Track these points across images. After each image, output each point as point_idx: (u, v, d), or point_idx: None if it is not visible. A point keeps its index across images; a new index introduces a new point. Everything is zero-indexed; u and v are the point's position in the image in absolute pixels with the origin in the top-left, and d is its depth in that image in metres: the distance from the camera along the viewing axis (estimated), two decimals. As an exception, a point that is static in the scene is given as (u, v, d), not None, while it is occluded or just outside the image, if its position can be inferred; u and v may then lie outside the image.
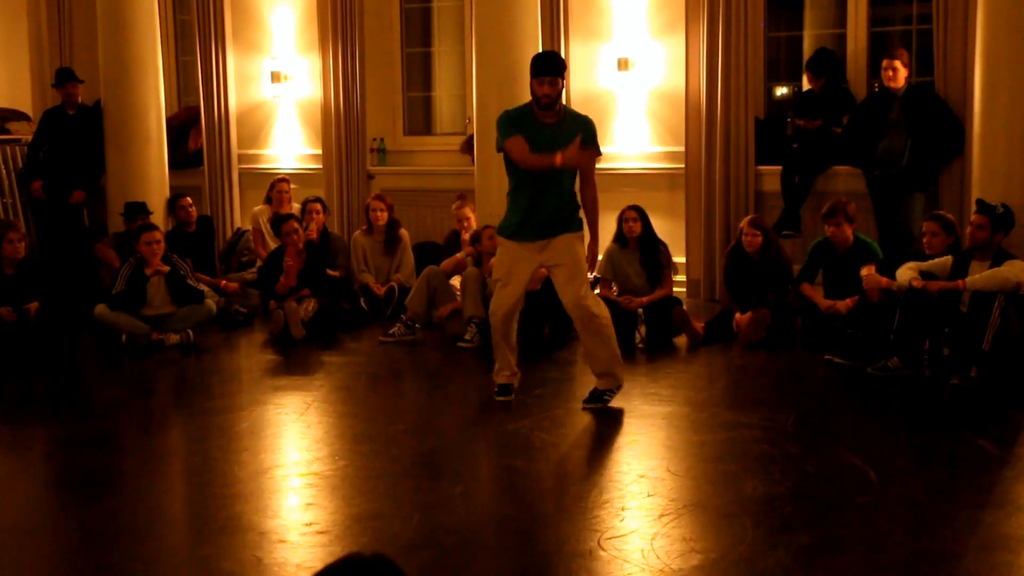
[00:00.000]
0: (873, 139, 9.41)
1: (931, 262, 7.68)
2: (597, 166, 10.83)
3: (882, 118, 9.38)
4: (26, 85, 13.01)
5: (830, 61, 9.97)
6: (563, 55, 10.71)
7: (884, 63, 9.40)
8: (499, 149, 6.82)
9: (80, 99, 11.47)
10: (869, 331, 7.87)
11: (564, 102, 7.02)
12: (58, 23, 13.02)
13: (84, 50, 12.55)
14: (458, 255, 9.62)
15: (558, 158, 6.56)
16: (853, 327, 8.09)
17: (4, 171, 11.76)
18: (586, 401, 6.91)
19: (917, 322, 7.51)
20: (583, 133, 6.76)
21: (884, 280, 7.85)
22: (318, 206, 10.50)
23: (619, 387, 6.96)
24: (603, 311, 6.85)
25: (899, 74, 9.33)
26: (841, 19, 10.32)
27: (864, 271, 8.01)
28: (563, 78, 6.81)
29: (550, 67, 6.77)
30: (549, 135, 6.73)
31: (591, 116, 10.69)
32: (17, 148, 11.92)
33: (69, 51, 12.97)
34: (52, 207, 11.36)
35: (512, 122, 6.81)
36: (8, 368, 8.39)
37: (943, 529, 4.86)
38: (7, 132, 12.34)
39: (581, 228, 6.90)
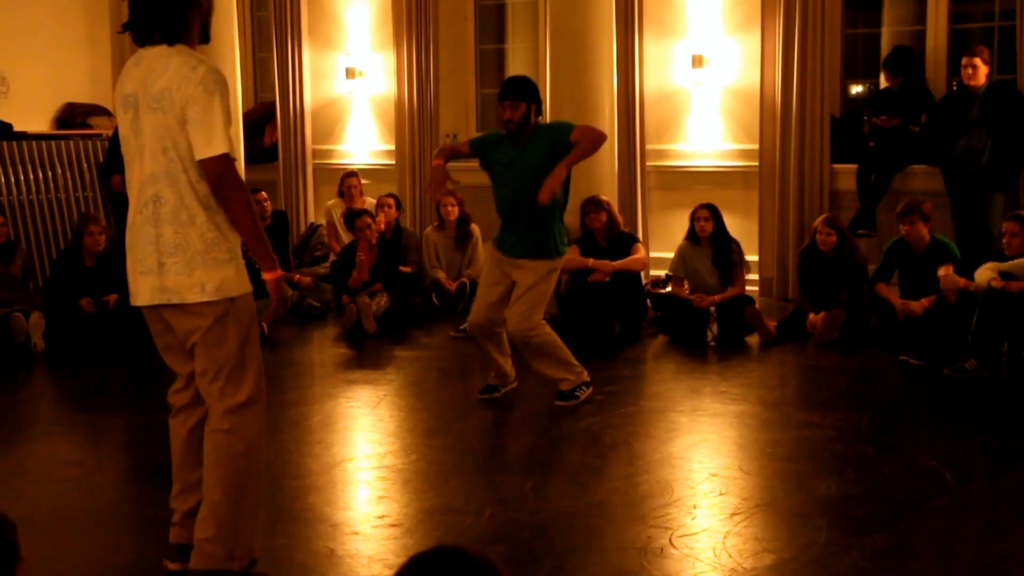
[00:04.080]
0: (952, 138, 9.27)
1: (1011, 263, 7.56)
2: (671, 162, 10.88)
3: (962, 116, 9.23)
4: (108, 81, 13.21)
5: (909, 59, 9.83)
6: (637, 51, 10.70)
7: (964, 61, 9.23)
8: None
9: (160, 94, 11.61)
10: (946, 332, 7.76)
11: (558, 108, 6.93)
12: (138, 20, 13.20)
13: (163, 46, 12.71)
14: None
15: (434, 178, 6.87)
16: (929, 328, 7.98)
17: (85, 165, 11.96)
18: (557, 398, 6.95)
19: (996, 323, 7.40)
20: (550, 142, 6.66)
21: (962, 281, 7.74)
22: (391, 200, 10.58)
23: (586, 383, 6.99)
24: (541, 330, 6.83)
25: (979, 72, 9.17)
26: (921, 16, 10.18)
27: (941, 271, 7.90)
28: (528, 102, 6.68)
29: (508, 91, 6.75)
30: (510, 156, 6.76)
31: (665, 113, 10.84)
32: (98, 142, 12.12)
33: (149, 47, 13.14)
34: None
35: (479, 140, 7.04)
36: (88, 359, 8.54)
37: (1021, 532, 4.79)
38: (89, 127, 12.57)
39: (552, 257, 6.81)
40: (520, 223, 6.76)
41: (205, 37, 4.16)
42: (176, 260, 4.04)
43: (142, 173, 4.06)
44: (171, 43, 4.03)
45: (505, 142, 6.82)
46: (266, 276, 4.24)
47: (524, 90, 6.74)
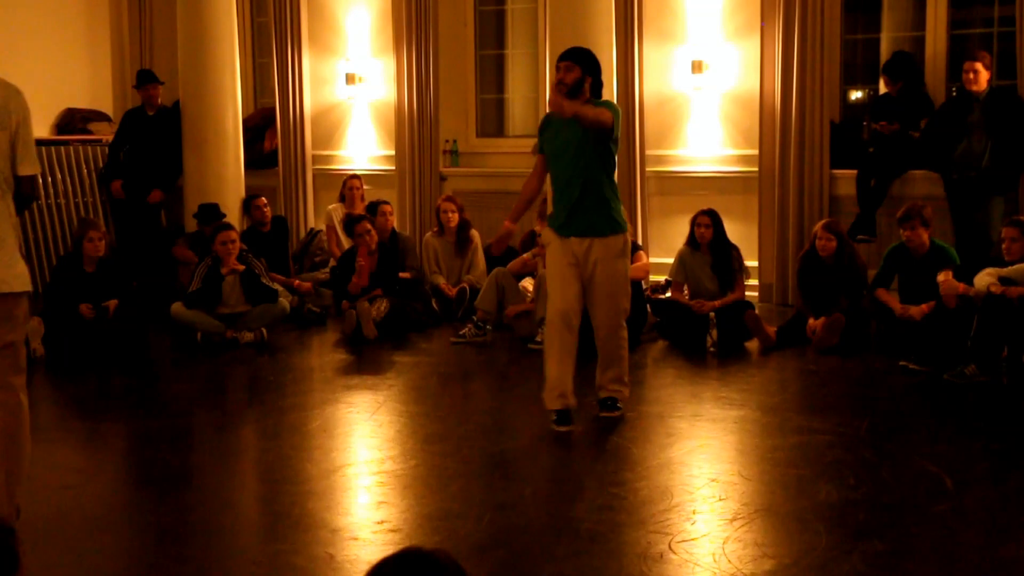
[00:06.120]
0: (952, 142, 9.28)
1: (1011, 268, 7.56)
2: (671, 168, 10.88)
3: (962, 120, 9.24)
4: (107, 86, 13.24)
5: (908, 64, 9.84)
6: (636, 57, 10.72)
7: (966, 65, 9.26)
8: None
9: (160, 100, 11.64)
10: (946, 337, 7.75)
11: (591, 100, 6.56)
12: (139, 26, 13.23)
13: (164, 52, 12.74)
14: (525, 255, 9.57)
15: (506, 224, 6.79)
16: (929, 333, 7.97)
17: (85, 170, 11.97)
18: (604, 410, 6.78)
19: (995, 329, 7.40)
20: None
21: (961, 286, 7.74)
22: (388, 208, 10.56)
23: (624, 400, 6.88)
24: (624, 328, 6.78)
25: (980, 76, 9.19)
26: (920, 22, 10.18)
27: (941, 277, 7.89)
28: (584, 69, 6.49)
29: (567, 52, 6.58)
30: (560, 130, 6.56)
31: (665, 119, 10.86)
32: (98, 148, 12.13)
33: (149, 53, 13.16)
34: (131, 206, 11.56)
35: (542, 125, 6.79)
36: (87, 364, 8.53)
37: (1021, 537, 4.79)
38: (88, 132, 12.56)
39: (622, 231, 6.66)
40: (579, 199, 6.53)
41: None
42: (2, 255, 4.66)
43: None
44: None
45: (553, 118, 6.60)
46: None
47: (583, 56, 6.57)
